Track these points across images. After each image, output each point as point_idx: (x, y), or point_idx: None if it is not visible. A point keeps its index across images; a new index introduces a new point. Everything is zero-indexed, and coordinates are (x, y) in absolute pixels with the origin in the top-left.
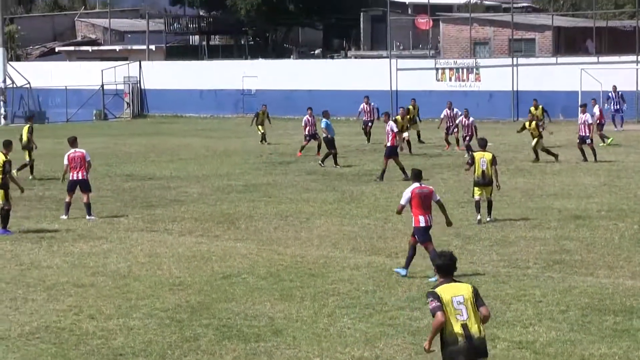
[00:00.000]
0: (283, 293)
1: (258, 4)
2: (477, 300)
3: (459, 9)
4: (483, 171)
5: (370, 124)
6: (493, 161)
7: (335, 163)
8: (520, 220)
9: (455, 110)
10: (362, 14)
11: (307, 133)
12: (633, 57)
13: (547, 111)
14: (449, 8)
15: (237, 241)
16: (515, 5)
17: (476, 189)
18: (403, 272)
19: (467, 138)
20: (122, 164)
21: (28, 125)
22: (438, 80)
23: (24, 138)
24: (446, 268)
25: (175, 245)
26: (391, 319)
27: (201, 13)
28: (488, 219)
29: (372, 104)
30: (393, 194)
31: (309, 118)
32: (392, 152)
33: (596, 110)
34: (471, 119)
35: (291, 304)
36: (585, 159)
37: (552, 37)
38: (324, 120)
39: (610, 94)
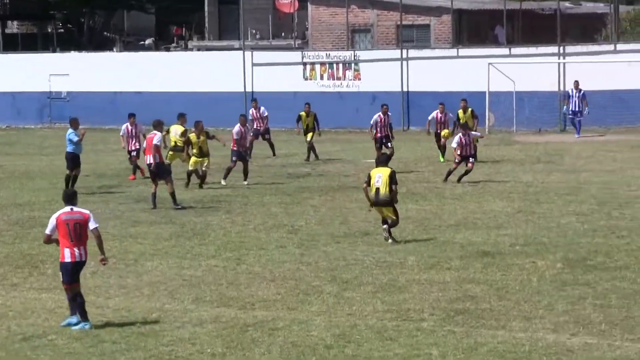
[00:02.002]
0: (103, 358)
1: None
2: None
3: None
4: (377, 189)
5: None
6: (391, 178)
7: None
8: (413, 258)
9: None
10: None
11: (130, 148)
12: (554, 49)
13: (478, 116)
14: None
15: (42, 291)
16: None
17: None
18: (87, 325)
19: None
20: None
21: None
22: (306, 79)
23: None
24: None
25: None
26: None
27: None
28: (390, 242)
29: (262, 108)
30: (248, 226)
31: (130, 127)
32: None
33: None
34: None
35: None
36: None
37: (452, 23)
38: (69, 130)
39: (571, 91)
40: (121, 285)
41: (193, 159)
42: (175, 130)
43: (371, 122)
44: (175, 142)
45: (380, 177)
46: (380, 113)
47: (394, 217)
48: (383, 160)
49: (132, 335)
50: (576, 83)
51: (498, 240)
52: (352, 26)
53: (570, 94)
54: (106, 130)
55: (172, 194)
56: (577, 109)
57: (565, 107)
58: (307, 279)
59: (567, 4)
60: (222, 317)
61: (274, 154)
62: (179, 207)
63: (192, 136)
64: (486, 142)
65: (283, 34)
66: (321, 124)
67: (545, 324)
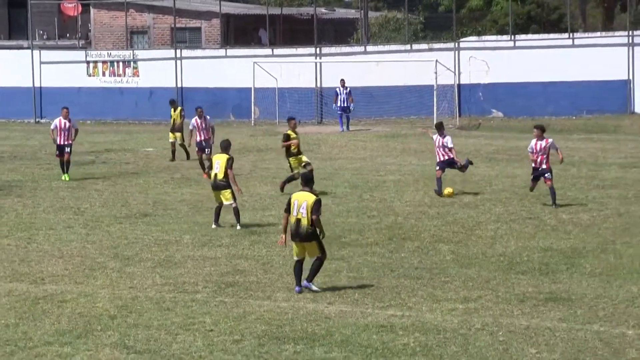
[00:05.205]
0: None
1: None
2: None
3: None
4: (216, 174)
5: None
6: (227, 163)
7: None
8: (188, 237)
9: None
10: None
11: None
12: (311, 50)
13: (185, 115)
14: None
15: None
16: None
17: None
18: None
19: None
20: None
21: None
22: (90, 75)
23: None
24: None
25: None
26: (37, 357)
27: None
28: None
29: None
30: (38, 208)
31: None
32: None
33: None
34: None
35: None
36: None
37: (221, 26)
38: None
39: (338, 89)
40: None
41: None
42: None
43: (190, 127)
44: None
45: (219, 163)
46: (196, 117)
47: (232, 203)
48: (225, 147)
49: None
50: (342, 81)
51: (263, 220)
52: (130, 28)
53: (338, 92)
54: None
55: None
56: (344, 105)
57: (334, 104)
58: (92, 255)
59: (322, 10)
60: (14, 291)
61: None
62: None
63: None
64: (252, 133)
65: (68, 34)
66: (101, 116)
67: (305, 294)
